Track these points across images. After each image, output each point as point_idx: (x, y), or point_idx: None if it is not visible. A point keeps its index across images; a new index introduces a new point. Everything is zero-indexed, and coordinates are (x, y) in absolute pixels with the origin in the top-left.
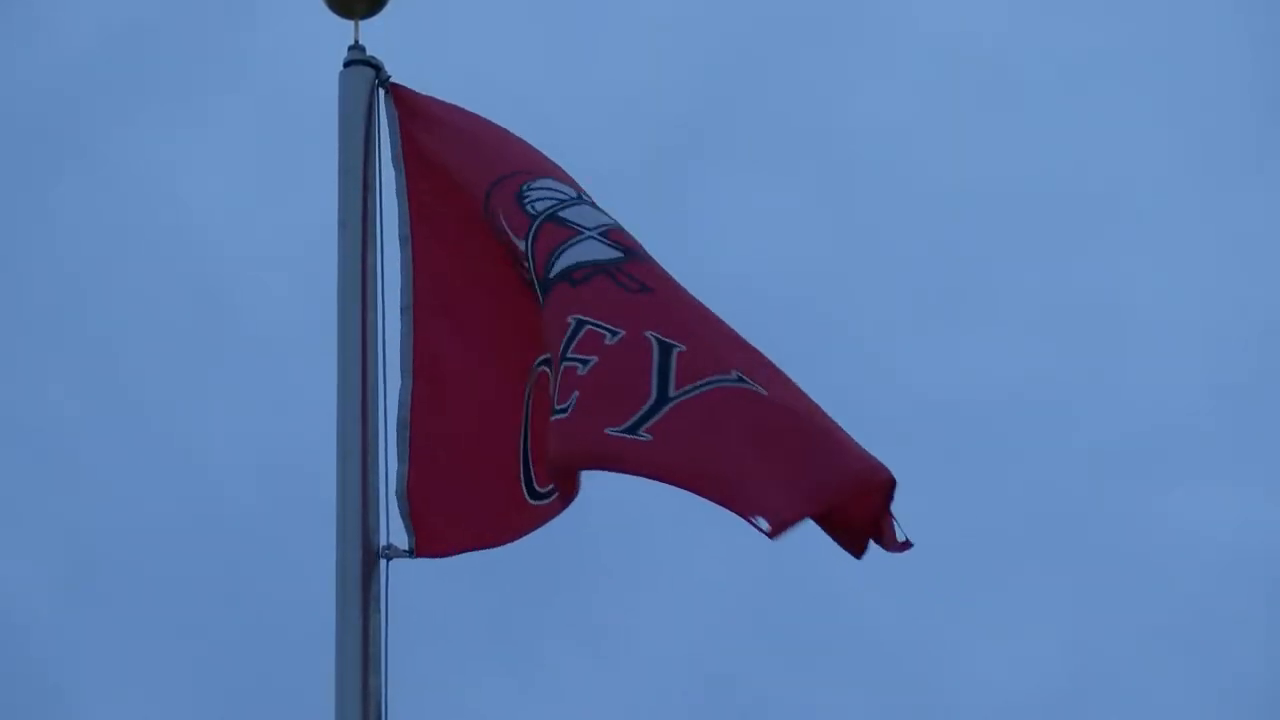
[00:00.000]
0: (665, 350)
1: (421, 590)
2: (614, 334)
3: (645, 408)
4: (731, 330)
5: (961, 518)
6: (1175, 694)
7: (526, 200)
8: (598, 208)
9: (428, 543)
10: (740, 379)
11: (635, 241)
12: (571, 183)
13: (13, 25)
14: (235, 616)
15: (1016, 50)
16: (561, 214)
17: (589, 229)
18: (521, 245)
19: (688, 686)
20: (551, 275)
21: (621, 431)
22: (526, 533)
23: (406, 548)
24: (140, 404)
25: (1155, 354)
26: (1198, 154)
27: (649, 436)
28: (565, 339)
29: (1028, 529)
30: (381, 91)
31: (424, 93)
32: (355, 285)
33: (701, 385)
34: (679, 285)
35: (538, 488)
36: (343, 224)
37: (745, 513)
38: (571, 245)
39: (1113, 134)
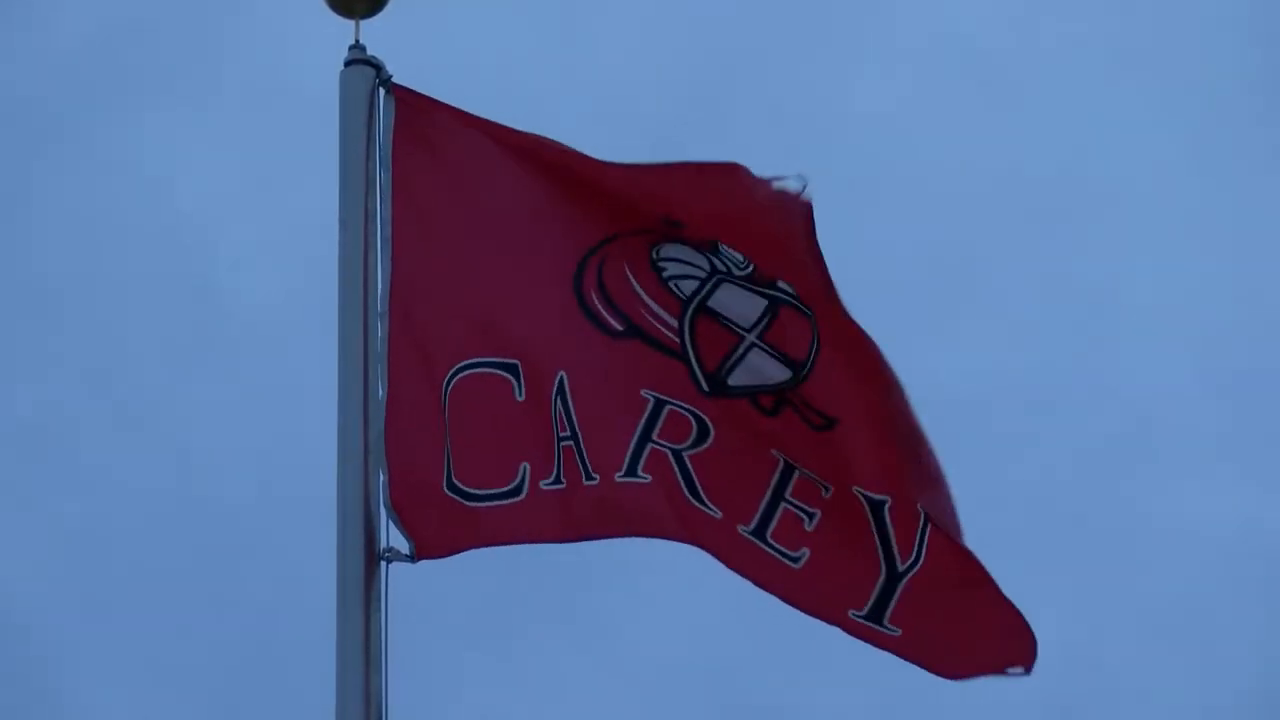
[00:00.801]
0: (877, 511)
1: (421, 590)
2: (826, 489)
3: (879, 588)
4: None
5: (959, 512)
6: (1171, 689)
7: (664, 272)
8: (732, 275)
9: (425, 546)
10: (925, 515)
11: (789, 309)
12: (677, 224)
13: (12, 19)
14: (236, 616)
15: (1014, 43)
16: (711, 304)
17: (746, 330)
18: (673, 322)
19: (687, 685)
20: (730, 383)
21: (864, 619)
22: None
23: (407, 552)
24: (137, 401)
25: (1151, 348)
26: (1195, 148)
27: (896, 630)
28: (777, 474)
29: (1023, 524)
30: (382, 91)
31: (431, 94)
32: (356, 285)
33: (917, 555)
34: (850, 361)
35: (460, 484)
36: (343, 224)
37: (998, 671)
38: (741, 357)
39: (1109, 128)
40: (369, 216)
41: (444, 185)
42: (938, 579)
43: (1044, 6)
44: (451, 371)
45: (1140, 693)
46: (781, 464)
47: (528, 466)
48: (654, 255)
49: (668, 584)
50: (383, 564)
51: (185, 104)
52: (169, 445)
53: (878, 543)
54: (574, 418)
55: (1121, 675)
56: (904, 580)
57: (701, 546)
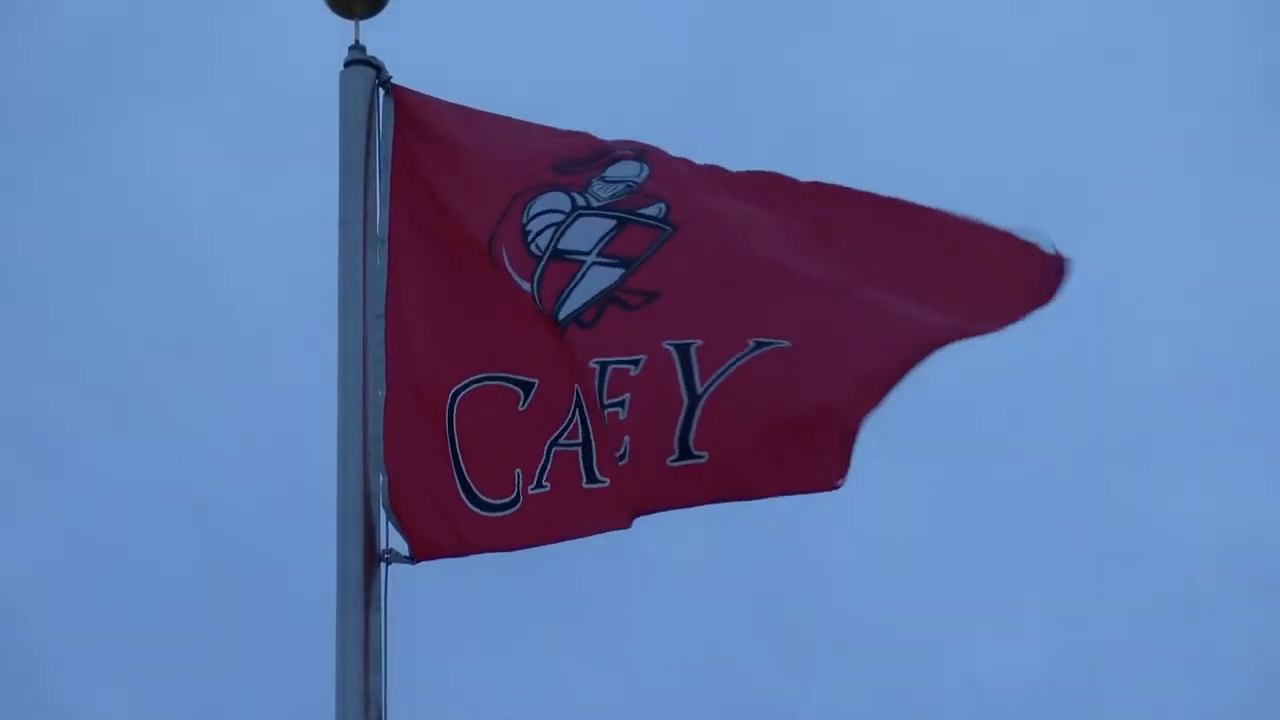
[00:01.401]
0: (684, 353)
1: (421, 591)
2: (636, 363)
3: (681, 417)
4: (755, 244)
5: (953, 509)
6: (1166, 684)
7: (529, 235)
8: (597, 187)
9: (423, 547)
10: (758, 345)
11: (638, 195)
12: (570, 170)
13: (11, 18)
14: (236, 616)
15: (1010, 39)
16: (561, 245)
17: (587, 253)
18: (528, 288)
19: (686, 684)
20: (562, 318)
21: (679, 461)
22: (503, 547)
23: (407, 553)
24: (136, 400)
25: (1148, 346)
26: (1193, 144)
27: (703, 455)
28: (596, 386)
29: (1019, 520)
30: (381, 91)
31: (426, 93)
32: (356, 285)
33: (722, 372)
34: (693, 224)
35: (482, 496)
36: (344, 223)
37: (809, 489)
38: (576, 284)
39: (1107, 123)
40: (369, 216)
41: (440, 188)
42: (742, 393)
43: (1039, 2)
44: (461, 383)
45: (1135, 691)
46: (598, 370)
47: (519, 473)
48: (524, 219)
49: (667, 583)
50: (382, 565)
51: (185, 103)
52: (168, 444)
53: (681, 381)
54: (589, 427)
55: (1116, 673)
56: (704, 399)
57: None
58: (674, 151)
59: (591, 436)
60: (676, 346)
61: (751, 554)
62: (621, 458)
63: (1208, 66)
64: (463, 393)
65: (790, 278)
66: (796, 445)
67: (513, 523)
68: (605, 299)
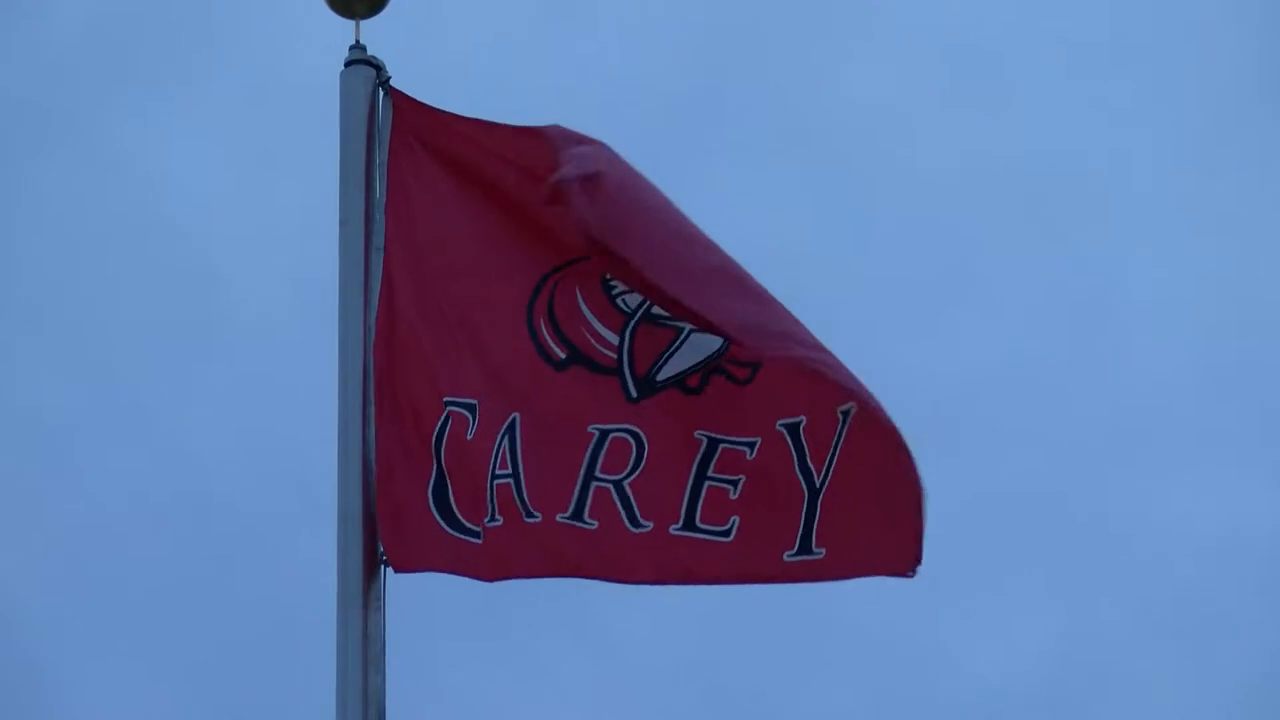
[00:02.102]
0: (794, 434)
1: (421, 590)
2: (751, 446)
3: (804, 515)
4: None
5: (953, 506)
6: (1167, 681)
7: (613, 290)
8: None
9: (399, 561)
10: (844, 416)
11: (722, 275)
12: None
13: (10, 16)
14: (236, 616)
15: (1011, 35)
16: (655, 310)
17: (679, 320)
18: (614, 339)
19: (684, 684)
20: (659, 378)
21: (797, 555)
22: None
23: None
24: (136, 400)
25: (1148, 341)
26: (1192, 141)
27: (822, 552)
28: (701, 456)
29: (1019, 517)
30: (381, 91)
31: (431, 94)
32: (356, 285)
33: (831, 457)
34: (766, 304)
35: (463, 520)
36: (344, 223)
37: (901, 573)
38: (677, 348)
39: (1107, 120)
40: (369, 216)
41: (429, 203)
42: (848, 478)
43: (1038, 0)
44: (446, 401)
45: (1135, 689)
46: (705, 444)
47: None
48: (606, 276)
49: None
50: (383, 565)
51: (185, 103)
52: (168, 444)
53: (798, 470)
54: (519, 456)
55: (1117, 667)
56: (822, 494)
57: (645, 580)
58: (673, 152)
59: (520, 468)
60: (788, 428)
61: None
62: (724, 534)
63: (1208, 64)
64: (450, 409)
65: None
66: (887, 527)
67: (476, 551)
68: (711, 368)
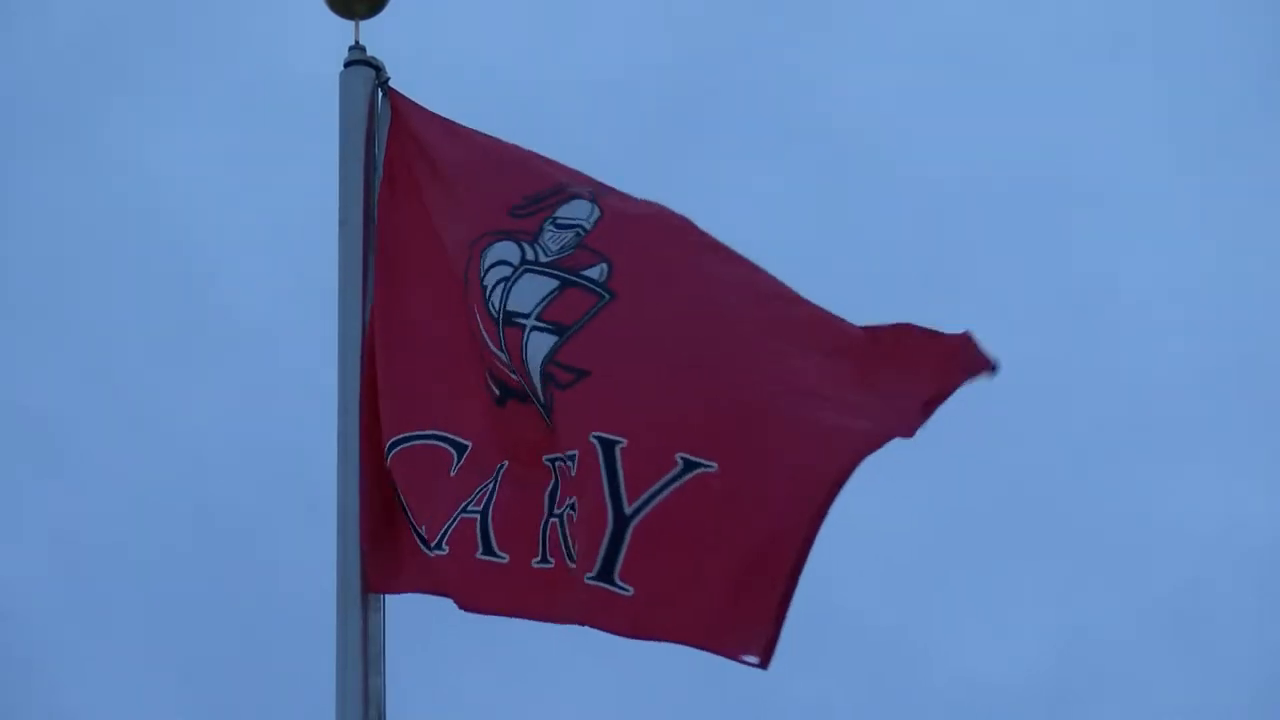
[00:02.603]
0: (609, 452)
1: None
2: (571, 460)
3: (607, 538)
4: (670, 308)
5: (951, 504)
6: (1165, 678)
7: (486, 291)
8: (548, 236)
9: (380, 581)
10: (687, 465)
11: (583, 251)
12: (526, 211)
13: (10, 13)
14: (235, 616)
15: (1008, 33)
16: (509, 305)
17: (527, 316)
18: (503, 358)
19: (678, 677)
20: (544, 402)
21: (596, 580)
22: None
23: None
24: (135, 399)
25: (1146, 339)
26: (1189, 138)
27: (629, 590)
28: (549, 490)
29: (1016, 515)
30: (381, 92)
31: (420, 101)
32: (356, 285)
33: (651, 496)
34: (634, 291)
35: (428, 539)
36: (343, 223)
37: (733, 655)
38: (528, 353)
39: (1104, 118)
40: (368, 216)
41: (419, 211)
42: (672, 530)
43: None
44: (398, 437)
45: (1133, 687)
46: (550, 469)
47: (424, 529)
48: (481, 272)
49: None
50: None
51: (184, 103)
52: (166, 443)
53: (606, 491)
54: (493, 500)
55: (1115, 665)
56: (632, 525)
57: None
58: (671, 152)
59: (492, 506)
60: (602, 442)
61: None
62: (544, 562)
63: (1207, 62)
64: (398, 448)
65: (725, 367)
66: (723, 600)
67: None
68: (545, 376)
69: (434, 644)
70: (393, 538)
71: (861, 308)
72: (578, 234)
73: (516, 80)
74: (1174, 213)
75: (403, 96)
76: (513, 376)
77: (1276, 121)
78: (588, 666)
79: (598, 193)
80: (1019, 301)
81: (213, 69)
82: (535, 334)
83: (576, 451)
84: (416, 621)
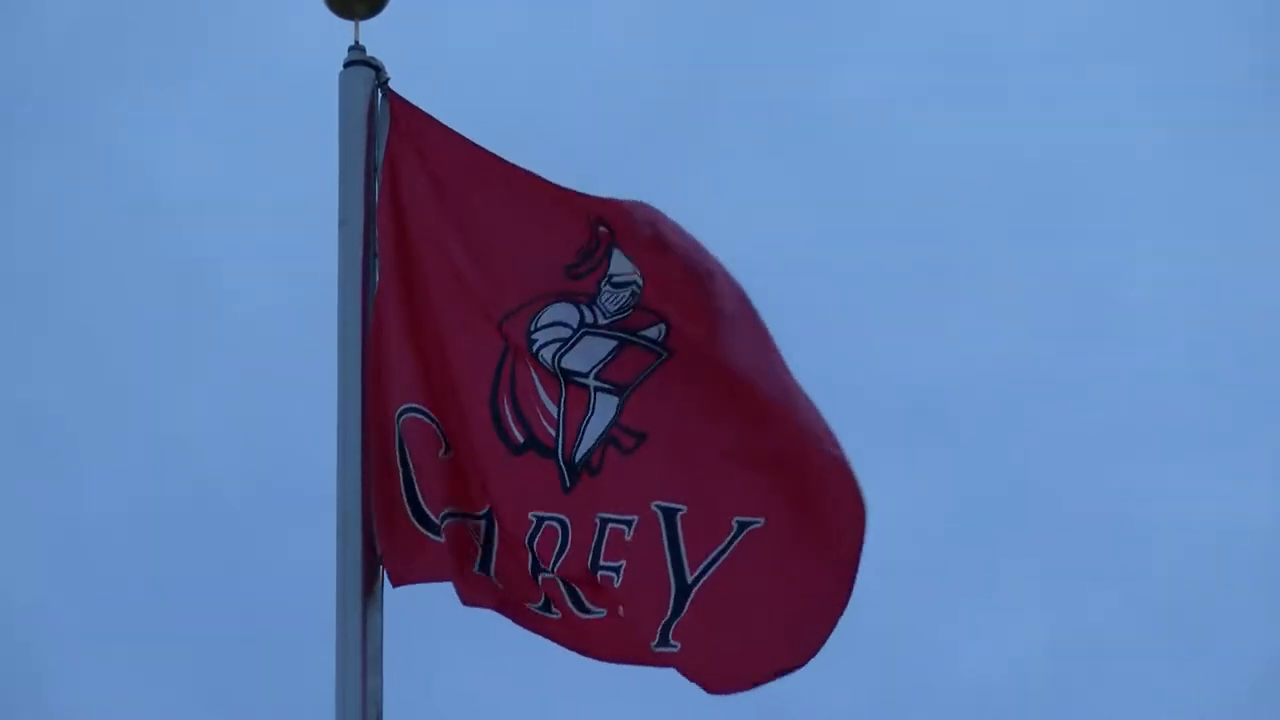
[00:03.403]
0: (670, 522)
1: (420, 589)
2: (629, 524)
3: (670, 608)
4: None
5: (947, 501)
6: (1162, 675)
7: (534, 345)
8: (606, 296)
9: (398, 571)
10: (740, 527)
11: (641, 311)
12: (581, 270)
13: (10, 13)
14: (235, 616)
15: (1007, 30)
16: (566, 364)
17: (587, 375)
18: (555, 410)
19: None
20: (578, 461)
21: (658, 646)
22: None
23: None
24: (132, 397)
25: (1144, 336)
26: (1186, 136)
27: (677, 646)
28: (594, 543)
29: (1015, 511)
30: (380, 92)
31: (420, 101)
32: (356, 284)
33: (711, 563)
34: (689, 349)
35: (431, 516)
36: (343, 223)
37: (766, 679)
38: (588, 421)
39: (1101, 115)
40: (369, 216)
41: (422, 219)
42: (727, 594)
43: None
44: (405, 406)
45: (1130, 684)
46: (597, 526)
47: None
48: (530, 326)
49: None
50: (382, 565)
51: (183, 103)
52: (164, 442)
53: (668, 561)
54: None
55: (1112, 663)
56: (693, 593)
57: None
58: (669, 150)
59: (495, 536)
60: (664, 511)
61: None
62: (600, 614)
63: (1206, 59)
64: (405, 416)
65: (769, 419)
66: (770, 636)
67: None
68: (605, 441)
69: (429, 642)
70: (405, 528)
71: (859, 304)
72: (633, 293)
73: (516, 80)
74: (1174, 210)
75: (403, 100)
76: (549, 431)
77: (1276, 121)
78: (587, 666)
79: (618, 235)
80: (1018, 298)
81: (213, 69)
82: (600, 395)
83: (636, 519)
84: (416, 621)
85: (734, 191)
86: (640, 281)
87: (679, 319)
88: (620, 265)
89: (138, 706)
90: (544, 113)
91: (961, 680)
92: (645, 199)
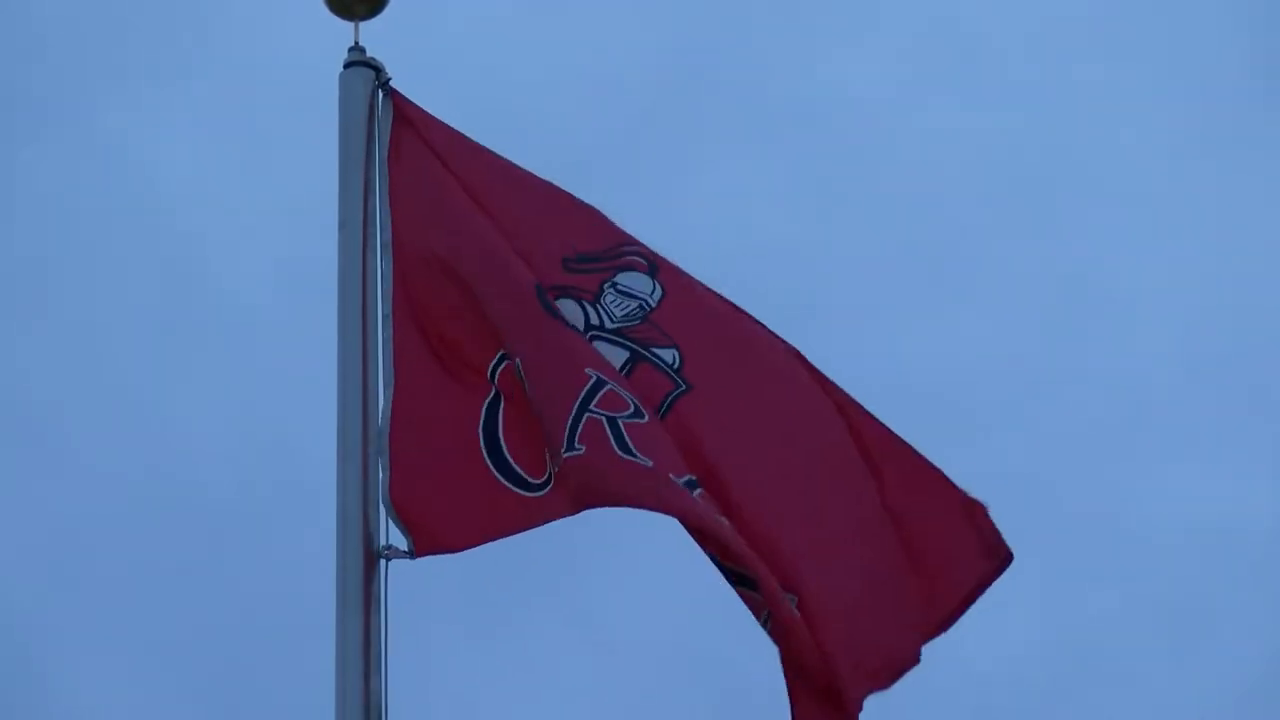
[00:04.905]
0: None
1: (415, 588)
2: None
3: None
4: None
5: None
6: (1157, 669)
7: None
8: (610, 299)
9: (426, 542)
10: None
11: (652, 328)
12: (583, 268)
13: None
14: (235, 616)
15: (1001, 22)
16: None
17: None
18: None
19: (677, 673)
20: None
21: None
22: (530, 525)
23: (406, 549)
24: (133, 395)
25: (1138, 330)
26: (1179, 133)
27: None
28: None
29: (1010, 506)
30: (381, 93)
31: (421, 101)
32: (355, 285)
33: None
34: (707, 387)
35: (528, 478)
36: (343, 224)
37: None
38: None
39: (1097, 108)
40: (368, 216)
41: (435, 190)
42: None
43: None
44: (493, 363)
45: (1126, 676)
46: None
47: (547, 453)
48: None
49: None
50: (382, 563)
51: (183, 104)
52: (163, 441)
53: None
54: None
55: (1107, 658)
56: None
57: (637, 504)
58: (667, 148)
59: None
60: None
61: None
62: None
63: (1199, 52)
64: (500, 368)
65: (789, 486)
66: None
67: (544, 502)
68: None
69: (428, 640)
70: (451, 496)
71: (851, 297)
72: (642, 307)
73: (516, 80)
74: (1166, 204)
75: (406, 99)
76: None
77: (1268, 114)
78: (587, 666)
79: (656, 266)
80: (1012, 292)
81: (213, 69)
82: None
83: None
84: (411, 619)
85: (726, 184)
86: (652, 303)
87: (693, 352)
88: (633, 281)
89: (137, 706)
90: (544, 112)
91: (957, 671)
92: (644, 194)
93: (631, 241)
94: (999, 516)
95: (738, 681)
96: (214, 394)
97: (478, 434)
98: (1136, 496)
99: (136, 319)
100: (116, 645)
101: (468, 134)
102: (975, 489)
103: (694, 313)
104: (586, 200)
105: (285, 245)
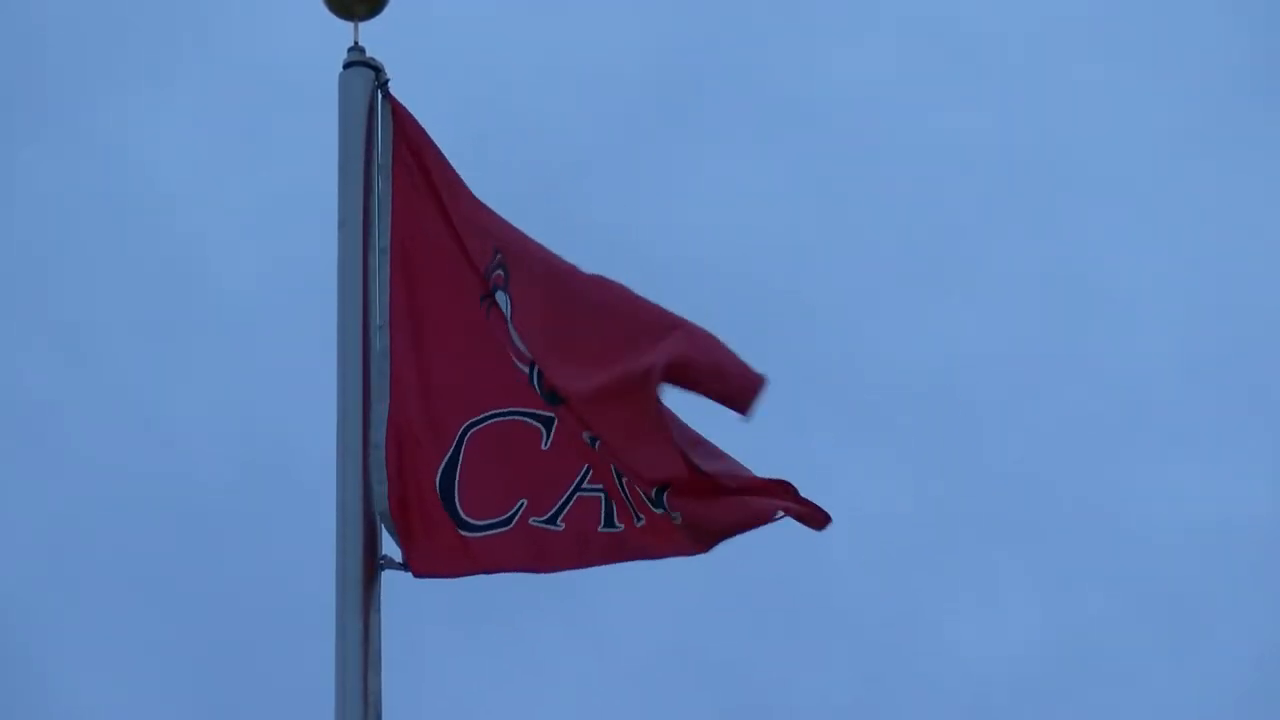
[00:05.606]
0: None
1: (419, 589)
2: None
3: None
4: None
5: (940, 491)
6: (1154, 666)
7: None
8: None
9: (421, 565)
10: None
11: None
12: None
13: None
14: (235, 616)
15: (999, 19)
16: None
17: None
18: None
19: (675, 671)
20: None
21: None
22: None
23: (401, 562)
24: (125, 390)
25: (1136, 327)
26: (1178, 132)
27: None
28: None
29: (1007, 502)
30: (380, 93)
31: (420, 101)
32: (355, 286)
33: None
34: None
35: (467, 517)
36: (343, 224)
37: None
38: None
39: (1095, 106)
40: (368, 216)
41: (433, 209)
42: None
43: None
44: (478, 417)
45: (1122, 673)
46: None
47: (524, 503)
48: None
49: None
50: (380, 566)
51: (183, 104)
52: (165, 442)
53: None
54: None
55: (1104, 652)
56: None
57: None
58: (665, 146)
59: (619, 484)
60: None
61: (740, 539)
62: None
63: (1198, 52)
64: (477, 427)
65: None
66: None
67: (501, 542)
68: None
69: (427, 641)
70: (426, 523)
71: (849, 294)
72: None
73: (515, 80)
74: (1164, 201)
75: (402, 107)
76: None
77: (1267, 113)
78: (587, 666)
79: (508, 274)
80: (1009, 289)
81: (212, 69)
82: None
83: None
84: (410, 619)
85: (726, 183)
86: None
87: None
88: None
89: (137, 706)
90: (543, 111)
91: (954, 668)
92: (643, 193)
93: (497, 251)
94: (999, 515)
95: (738, 682)
96: (213, 394)
97: (436, 476)
98: (1135, 495)
99: (136, 318)
100: (116, 645)
101: (468, 133)
102: (975, 487)
103: (533, 305)
104: (585, 200)
105: (285, 245)
